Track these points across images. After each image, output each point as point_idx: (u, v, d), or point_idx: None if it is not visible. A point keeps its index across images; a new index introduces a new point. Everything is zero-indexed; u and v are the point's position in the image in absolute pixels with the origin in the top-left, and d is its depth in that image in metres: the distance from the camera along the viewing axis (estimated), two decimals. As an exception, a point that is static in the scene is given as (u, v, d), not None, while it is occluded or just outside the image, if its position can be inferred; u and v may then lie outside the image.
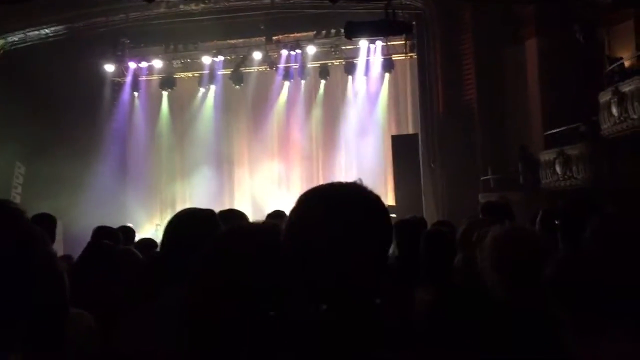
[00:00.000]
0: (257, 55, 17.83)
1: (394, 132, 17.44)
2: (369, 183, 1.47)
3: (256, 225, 1.65)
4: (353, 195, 1.37)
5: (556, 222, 3.33)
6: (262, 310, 1.32)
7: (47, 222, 3.83)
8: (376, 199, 1.39)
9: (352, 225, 1.31)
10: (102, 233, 4.54)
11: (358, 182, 1.42)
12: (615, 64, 12.03)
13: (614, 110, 10.98)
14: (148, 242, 5.19)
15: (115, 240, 4.37)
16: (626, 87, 10.80)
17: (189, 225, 2.17)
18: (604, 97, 11.43)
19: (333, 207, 1.34)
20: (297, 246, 1.34)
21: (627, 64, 12.03)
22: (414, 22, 15.21)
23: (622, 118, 10.83)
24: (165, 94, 19.37)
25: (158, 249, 4.10)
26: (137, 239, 5.78)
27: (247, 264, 1.35)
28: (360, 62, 17.84)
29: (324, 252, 1.30)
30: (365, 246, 1.32)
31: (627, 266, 1.32)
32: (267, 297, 1.34)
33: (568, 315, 1.31)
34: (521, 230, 2.40)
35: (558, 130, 12.59)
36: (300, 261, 1.32)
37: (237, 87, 18.64)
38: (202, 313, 1.34)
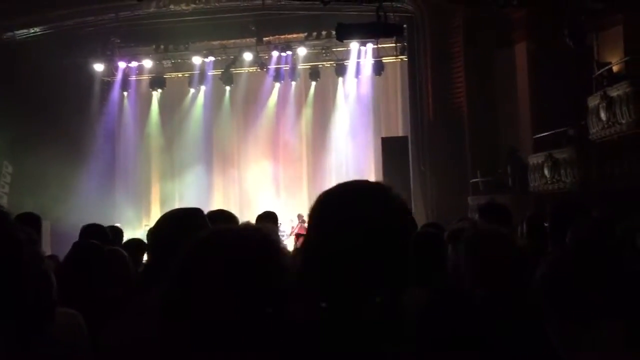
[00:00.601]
0: (247, 56, 17.79)
1: (384, 135, 17.46)
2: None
3: (241, 231, 1.61)
4: (377, 197, 1.36)
5: (545, 225, 3.35)
6: (247, 310, 1.30)
7: (32, 222, 3.77)
8: (402, 202, 1.38)
9: (376, 227, 1.31)
10: (90, 231, 4.46)
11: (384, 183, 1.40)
12: (604, 69, 12.11)
13: (603, 115, 11.05)
14: (136, 243, 5.16)
15: (103, 238, 4.30)
16: (614, 92, 10.86)
17: (176, 226, 2.15)
18: (593, 101, 11.50)
19: (357, 207, 1.34)
20: (317, 245, 1.32)
21: (615, 68, 12.11)
22: (404, 25, 15.25)
23: (610, 122, 10.89)
24: (155, 94, 19.32)
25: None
26: (125, 239, 5.74)
27: (226, 268, 1.33)
28: (350, 64, 17.89)
29: (346, 252, 1.29)
30: (387, 248, 1.31)
31: (609, 265, 1.33)
32: (248, 298, 1.32)
33: (558, 315, 1.31)
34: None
35: (547, 133, 12.65)
36: (317, 261, 1.30)
37: (228, 87, 18.62)
38: (177, 313, 1.32)
